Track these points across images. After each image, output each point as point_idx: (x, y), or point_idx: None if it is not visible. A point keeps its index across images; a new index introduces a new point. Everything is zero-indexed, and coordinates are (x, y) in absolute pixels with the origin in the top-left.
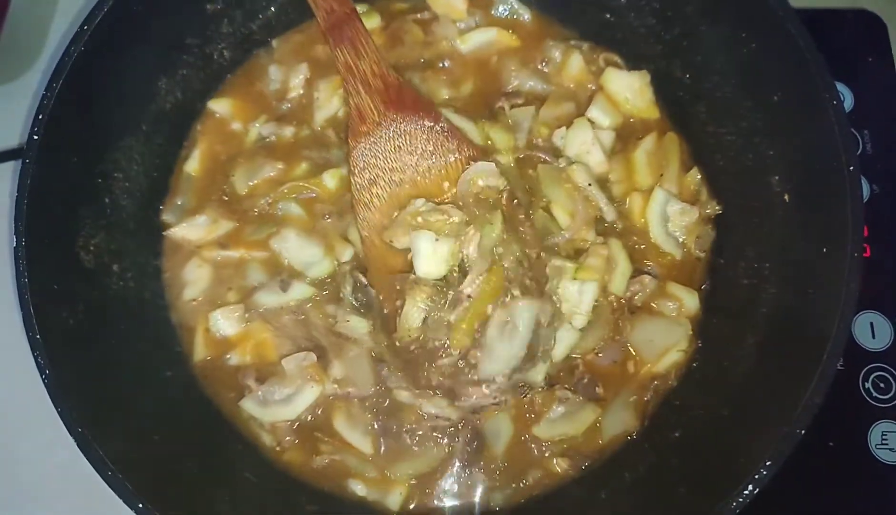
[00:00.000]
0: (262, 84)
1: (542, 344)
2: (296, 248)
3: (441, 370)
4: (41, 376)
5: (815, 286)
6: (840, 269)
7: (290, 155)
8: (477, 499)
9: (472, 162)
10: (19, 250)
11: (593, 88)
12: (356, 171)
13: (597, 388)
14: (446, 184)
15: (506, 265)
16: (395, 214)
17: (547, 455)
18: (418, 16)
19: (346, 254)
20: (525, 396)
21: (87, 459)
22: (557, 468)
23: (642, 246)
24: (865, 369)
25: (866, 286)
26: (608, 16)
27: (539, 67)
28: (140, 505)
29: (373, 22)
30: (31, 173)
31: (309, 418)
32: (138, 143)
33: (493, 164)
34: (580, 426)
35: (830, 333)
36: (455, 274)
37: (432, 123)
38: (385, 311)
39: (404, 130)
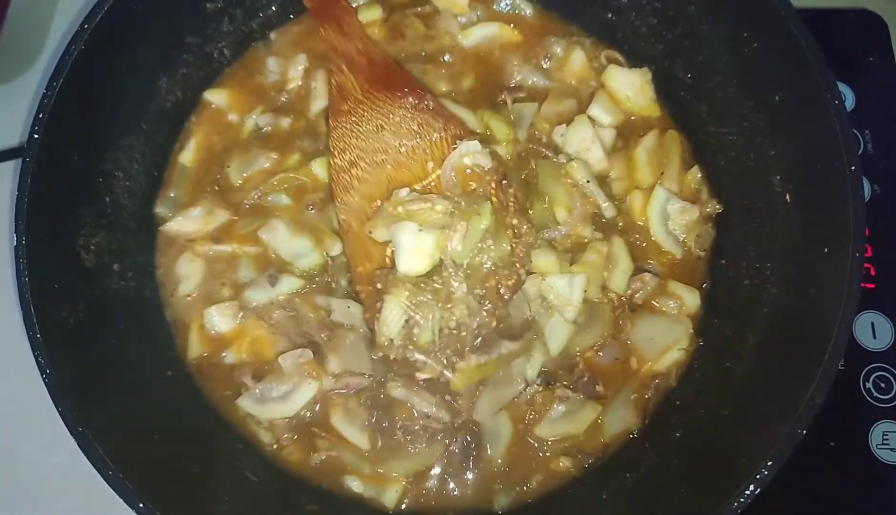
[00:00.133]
0: (262, 76)
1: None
2: (284, 239)
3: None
4: (42, 375)
5: (816, 286)
6: (841, 269)
7: (284, 145)
8: (477, 500)
9: (458, 141)
10: (20, 249)
11: (595, 85)
12: (336, 152)
13: (597, 386)
14: (430, 164)
15: (489, 262)
16: (377, 203)
17: (549, 454)
18: (419, 9)
19: (336, 247)
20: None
21: (88, 458)
22: (560, 466)
23: (643, 244)
24: (866, 369)
25: (867, 286)
26: (610, 15)
27: (541, 62)
28: (141, 505)
29: (373, 14)
30: (32, 172)
31: (307, 415)
32: (139, 142)
33: (478, 141)
34: (581, 424)
35: (831, 333)
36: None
37: (417, 101)
38: (366, 316)
39: (388, 108)
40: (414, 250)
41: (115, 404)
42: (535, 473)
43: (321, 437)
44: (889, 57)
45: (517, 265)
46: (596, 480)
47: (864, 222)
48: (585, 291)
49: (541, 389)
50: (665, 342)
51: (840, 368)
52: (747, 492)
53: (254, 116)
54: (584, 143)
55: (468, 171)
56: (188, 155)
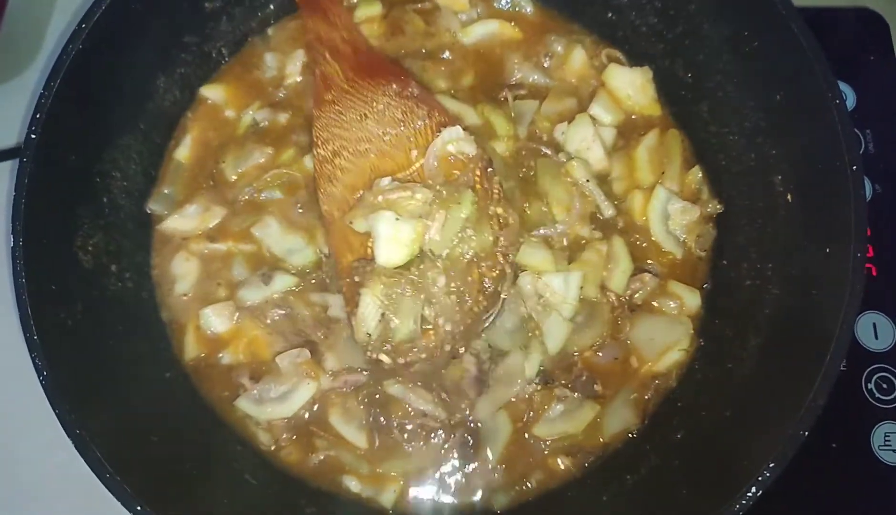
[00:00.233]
0: (259, 71)
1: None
2: (277, 235)
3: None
4: (39, 377)
5: (817, 287)
6: (843, 269)
7: (279, 140)
8: (476, 499)
9: (441, 128)
10: (17, 249)
11: (595, 83)
12: (319, 142)
13: (595, 385)
14: (414, 152)
15: (470, 253)
16: (359, 193)
17: (548, 454)
18: (419, 6)
19: None
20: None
21: (85, 461)
22: (560, 465)
23: (643, 244)
24: (868, 370)
25: (869, 287)
26: (610, 14)
27: (541, 60)
28: (139, 508)
29: (373, 10)
30: (29, 173)
31: (305, 414)
32: (136, 142)
33: (460, 127)
34: (580, 424)
35: (833, 333)
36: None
37: (401, 88)
38: (346, 310)
39: (372, 96)
40: (392, 239)
41: (113, 405)
42: (534, 472)
43: (319, 437)
44: (890, 56)
45: (500, 257)
46: (596, 481)
47: (866, 221)
48: (582, 289)
49: (539, 388)
50: (665, 343)
51: (842, 369)
52: (749, 494)
53: (251, 112)
54: (585, 142)
55: (452, 158)
56: (184, 151)
